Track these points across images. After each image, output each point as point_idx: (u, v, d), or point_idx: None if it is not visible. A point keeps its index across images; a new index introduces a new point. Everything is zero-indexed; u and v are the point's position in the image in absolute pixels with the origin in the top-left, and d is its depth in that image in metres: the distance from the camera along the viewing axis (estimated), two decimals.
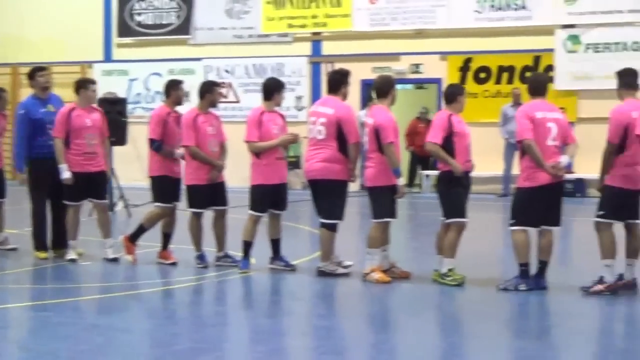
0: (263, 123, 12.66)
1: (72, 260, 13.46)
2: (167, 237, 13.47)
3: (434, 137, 11.88)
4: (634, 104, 11.31)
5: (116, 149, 20.07)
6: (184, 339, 9.40)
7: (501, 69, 25.22)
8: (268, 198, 12.78)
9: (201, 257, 13.23)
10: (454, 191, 11.95)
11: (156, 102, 24.09)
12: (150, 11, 28.70)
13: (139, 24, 28.86)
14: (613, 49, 23.84)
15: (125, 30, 29.04)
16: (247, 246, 12.81)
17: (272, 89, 12.91)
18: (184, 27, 28.37)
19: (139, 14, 28.83)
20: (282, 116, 13.17)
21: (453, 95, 12.20)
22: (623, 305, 11.01)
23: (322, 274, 12.48)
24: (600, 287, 11.25)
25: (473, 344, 9.44)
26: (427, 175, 25.03)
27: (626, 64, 12.35)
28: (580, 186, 23.20)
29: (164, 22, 28.57)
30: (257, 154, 12.69)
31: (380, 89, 12.37)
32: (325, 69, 25.58)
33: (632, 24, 23.77)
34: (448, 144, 11.83)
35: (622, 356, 8.98)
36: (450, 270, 11.89)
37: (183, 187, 13.29)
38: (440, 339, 9.71)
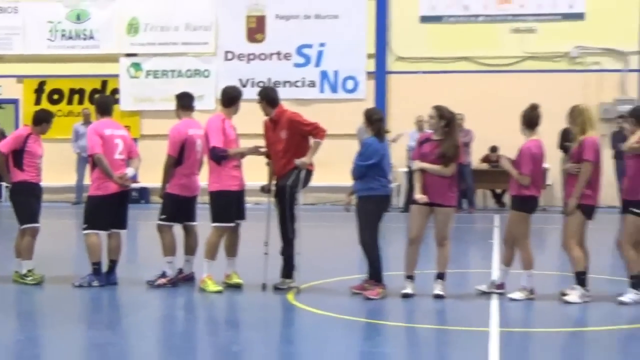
0: None
1: None
2: None
3: (2, 146, 11.61)
4: (190, 122, 11.60)
5: None
6: None
7: (73, 91, 24.90)
8: None
9: None
10: (26, 200, 11.68)
11: None
12: None
13: None
14: (170, 75, 24.25)
15: None
16: None
17: None
18: None
19: None
20: None
21: (41, 119, 11.85)
22: (183, 296, 11.20)
23: None
24: (163, 280, 11.41)
25: (50, 336, 9.22)
26: (6, 186, 24.15)
27: (182, 89, 12.66)
28: (144, 193, 23.38)
29: None
30: None
31: None
32: None
33: (185, 54, 24.32)
34: (18, 159, 11.53)
35: (181, 338, 9.14)
36: (29, 270, 11.58)
37: None
38: (20, 333, 9.39)
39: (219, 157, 11.02)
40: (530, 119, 10.86)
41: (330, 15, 23.78)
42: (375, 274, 10.84)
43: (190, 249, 11.77)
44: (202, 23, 24.23)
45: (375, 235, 10.86)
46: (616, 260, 11.46)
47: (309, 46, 23.95)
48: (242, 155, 11.29)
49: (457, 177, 10.99)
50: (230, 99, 11.41)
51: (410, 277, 10.81)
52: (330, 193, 21.77)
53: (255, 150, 11.35)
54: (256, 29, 24.13)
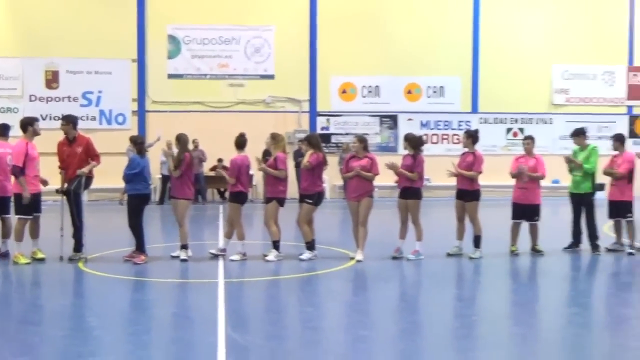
0: None
1: None
2: None
3: None
4: (3, 144, 10.76)
5: None
6: None
7: None
8: None
9: None
10: None
11: None
12: None
13: None
14: None
15: None
16: None
17: None
18: None
19: None
20: None
21: None
22: (0, 268, 10.25)
23: None
24: None
25: None
26: None
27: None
28: None
29: None
30: None
31: None
32: None
33: None
34: None
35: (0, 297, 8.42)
36: None
37: None
38: None
39: (17, 171, 10.42)
40: (240, 142, 10.98)
41: (105, 71, 22.87)
42: (140, 247, 10.54)
43: (5, 234, 10.87)
44: (12, 74, 22.50)
45: (140, 220, 10.57)
46: (297, 233, 11.76)
47: (91, 92, 22.86)
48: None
49: (193, 179, 11.00)
50: (23, 125, 10.78)
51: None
52: (108, 193, 20.85)
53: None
54: (52, 80, 22.76)
